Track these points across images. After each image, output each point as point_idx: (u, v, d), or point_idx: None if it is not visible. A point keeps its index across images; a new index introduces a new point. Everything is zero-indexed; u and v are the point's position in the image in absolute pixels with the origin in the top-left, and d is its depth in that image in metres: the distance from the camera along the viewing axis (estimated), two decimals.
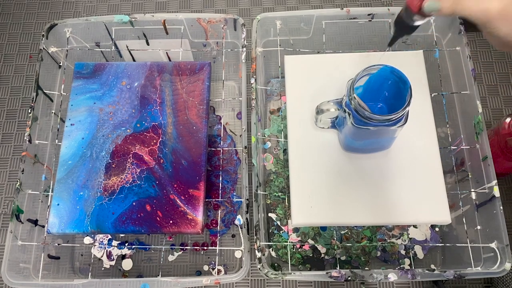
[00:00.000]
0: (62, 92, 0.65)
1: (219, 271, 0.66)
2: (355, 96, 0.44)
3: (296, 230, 0.67)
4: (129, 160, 0.57)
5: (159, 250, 0.68)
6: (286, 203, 0.66)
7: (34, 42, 0.85)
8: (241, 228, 0.65)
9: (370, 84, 0.47)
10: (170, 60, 0.73)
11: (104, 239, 0.68)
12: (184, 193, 0.55)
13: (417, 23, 0.40)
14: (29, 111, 0.60)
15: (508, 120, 0.60)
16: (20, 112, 0.80)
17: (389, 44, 0.43)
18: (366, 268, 0.65)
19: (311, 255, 0.66)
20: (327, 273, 0.50)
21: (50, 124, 0.63)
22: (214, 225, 0.68)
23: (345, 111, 0.47)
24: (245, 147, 0.58)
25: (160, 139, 0.58)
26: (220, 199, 0.67)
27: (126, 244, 0.68)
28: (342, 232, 0.66)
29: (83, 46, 0.68)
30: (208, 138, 0.60)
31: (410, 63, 0.58)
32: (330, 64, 0.59)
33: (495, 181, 0.53)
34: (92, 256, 0.67)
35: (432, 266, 0.64)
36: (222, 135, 0.72)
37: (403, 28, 0.40)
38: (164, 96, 0.61)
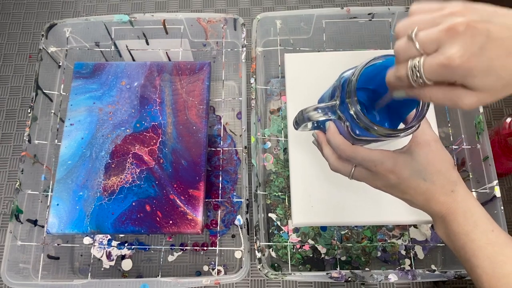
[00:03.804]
0: (61, 92, 0.65)
1: (219, 272, 0.66)
2: (356, 101, 0.34)
3: (296, 230, 0.66)
4: (128, 160, 0.57)
5: (159, 250, 0.68)
6: (286, 203, 0.66)
7: (33, 41, 0.85)
8: (241, 228, 0.65)
9: (368, 78, 0.37)
10: (170, 60, 0.73)
11: (104, 239, 0.68)
12: (184, 193, 0.55)
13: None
14: (29, 111, 0.60)
15: (508, 120, 0.60)
16: (19, 112, 0.80)
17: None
18: (367, 269, 0.64)
19: (311, 255, 0.66)
20: (327, 273, 0.50)
21: (50, 124, 0.63)
22: (214, 225, 0.68)
23: (339, 117, 0.37)
24: (245, 147, 0.57)
25: (160, 139, 0.58)
26: (220, 199, 0.67)
27: (126, 244, 0.68)
28: (342, 232, 0.66)
29: (83, 46, 0.68)
30: (208, 138, 0.60)
31: None
32: (330, 62, 0.59)
33: (496, 181, 0.53)
34: (92, 256, 0.67)
35: (433, 267, 0.64)
36: (222, 135, 0.72)
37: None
38: (164, 96, 0.61)
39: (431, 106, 0.56)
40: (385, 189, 0.40)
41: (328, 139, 0.40)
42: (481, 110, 0.56)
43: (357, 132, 0.36)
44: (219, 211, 0.68)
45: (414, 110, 0.37)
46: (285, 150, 0.70)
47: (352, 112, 0.34)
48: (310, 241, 0.66)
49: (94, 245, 0.67)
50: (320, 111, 0.38)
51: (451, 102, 0.29)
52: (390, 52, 0.60)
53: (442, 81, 0.28)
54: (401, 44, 0.30)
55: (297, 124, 0.43)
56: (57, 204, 0.55)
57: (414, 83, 0.29)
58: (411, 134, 0.38)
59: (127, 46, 0.70)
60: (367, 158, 0.37)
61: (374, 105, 0.40)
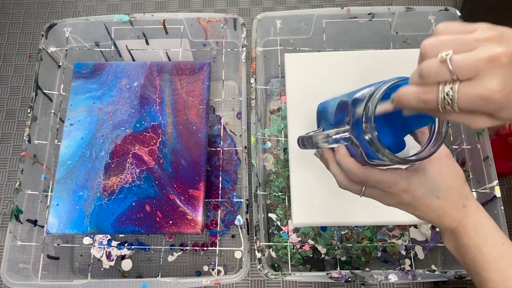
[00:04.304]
0: (61, 92, 0.65)
1: (219, 272, 0.66)
2: (374, 128, 0.31)
3: (296, 230, 0.66)
4: (128, 160, 0.57)
5: (158, 250, 0.68)
6: (286, 203, 0.66)
7: (33, 41, 0.85)
8: (241, 228, 0.65)
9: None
10: (170, 60, 0.73)
11: (104, 239, 0.68)
12: (184, 193, 0.55)
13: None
14: (29, 111, 0.60)
15: None
16: (19, 112, 0.80)
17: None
18: (367, 269, 0.64)
19: (311, 255, 0.66)
20: (327, 273, 0.50)
21: (50, 124, 0.63)
22: (214, 225, 0.68)
23: (352, 142, 0.35)
24: (245, 147, 0.57)
25: (160, 139, 0.58)
26: (220, 199, 0.67)
27: (126, 245, 0.68)
28: (343, 232, 0.66)
29: (83, 46, 0.68)
30: (208, 138, 0.60)
31: (410, 62, 0.58)
32: (330, 62, 0.59)
33: (496, 181, 0.53)
34: (92, 256, 0.67)
35: (433, 267, 0.64)
36: (222, 135, 0.72)
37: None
38: (163, 96, 0.61)
39: None
40: (396, 206, 0.39)
41: (338, 161, 0.38)
42: None
43: (372, 156, 0.34)
44: (219, 211, 0.68)
45: (427, 131, 0.35)
46: (285, 150, 0.70)
47: (367, 138, 0.32)
48: (310, 241, 0.66)
49: (94, 245, 0.67)
50: (331, 141, 0.36)
51: (468, 122, 0.28)
52: (390, 51, 0.60)
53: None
54: (431, 65, 0.27)
55: (304, 146, 0.41)
56: (57, 204, 0.55)
57: (442, 109, 0.27)
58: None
59: (127, 46, 0.70)
60: (380, 180, 0.36)
61: (384, 125, 0.37)
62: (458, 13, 0.60)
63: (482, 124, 0.27)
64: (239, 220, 0.67)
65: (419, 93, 0.28)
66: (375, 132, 0.31)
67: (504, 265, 0.34)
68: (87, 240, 0.68)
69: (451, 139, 0.60)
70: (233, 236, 0.69)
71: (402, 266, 0.65)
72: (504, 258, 0.34)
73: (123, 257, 0.68)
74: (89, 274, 0.59)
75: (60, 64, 0.66)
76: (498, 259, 0.34)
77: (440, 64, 0.26)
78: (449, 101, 0.26)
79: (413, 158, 0.33)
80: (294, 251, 0.66)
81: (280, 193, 0.67)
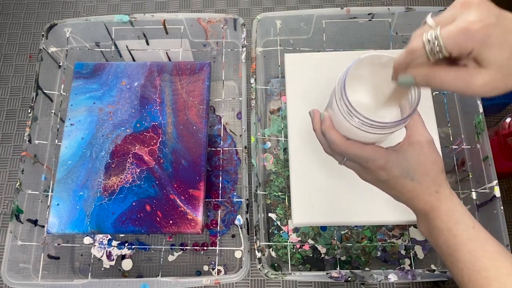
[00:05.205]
0: (62, 92, 0.65)
1: (219, 271, 0.66)
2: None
3: (296, 230, 0.66)
4: (129, 160, 0.57)
5: (159, 250, 0.68)
6: (286, 203, 0.66)
7: (34, 42, 0.85)
8: (241, 228, 0.65)
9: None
10: (170, 60, 0.73)
11: (104, 239, 0.68)
12: (184, 193, 0.55)
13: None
14: (29, 111, 0.60)
15: (508, 120, 0.60)
16: (20, 112, 0.80)
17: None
18: (366, 268, 0.64)
19: (311, 255, 0.66)
20: (327, 273, 0.50)
21: (50, 124, 0.63)
22: (214, 225, 0.68)
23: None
24: (245, 147, 0.58)
25: (160, 139, 0.58)
26: (220, 199, 0.67)
27: (126, 244, 0.68)
28: (342, 232, 0.66)
29: (83, 46, 0.68)
30: (208, 138, 0.60)
31: None
32: (330, 62, 0.59)
33: (496, 181, 0.53)
34: (92, 256, 0.67)
35: (433, 266, 0.64)
36: (222, 135, 0.72)
37: None
38: (164, 96, 0.61)
39: (431, 106, 0.56)
40: (372, 182, 0.41)
41: (322, 132, 0.41)
42: (481, 110, 0.56)
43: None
44: (219, 211, 0.68)
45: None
46: (285, 150, 0.70)
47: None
48: (310, 241, 0.66)
49: (94, 245, 0.67)
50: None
51: (463, 82, 0.30)
52: (390, 51, 0.60)
53: (455, 58, 0.29)
54: (416, 32, 0.31)
55: None
56: (57, 204, 0.55)
57: (431, 55, 0.29)
58: (405, 130, 0.40)
59: (127, 46, 0.70)
60: (359, 155, 0.39)
61: None
62: None
63: (480, 79, 0.29)
64: (239, 220, 0.68)
65: (406, 50, 0.31)
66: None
67: (474, 246, 0.36)
68: (87, 240, 0.68)
69: (451, 139, 0.60)
70: (233, 236, 0.69)
71: (401, 266, 0.65)
72: (474, 240, 0.36)
73: (123, 257, 0.68)
74: (89, 274, 0.59)
75: (61, 64, 0.66)
76: (468, 241, 0.36)
77: (423, 25, 0.31)
78: (434, 42, 0.29)
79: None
80: (294, 250, 0.66)
81: (280, 193, 0.68)
